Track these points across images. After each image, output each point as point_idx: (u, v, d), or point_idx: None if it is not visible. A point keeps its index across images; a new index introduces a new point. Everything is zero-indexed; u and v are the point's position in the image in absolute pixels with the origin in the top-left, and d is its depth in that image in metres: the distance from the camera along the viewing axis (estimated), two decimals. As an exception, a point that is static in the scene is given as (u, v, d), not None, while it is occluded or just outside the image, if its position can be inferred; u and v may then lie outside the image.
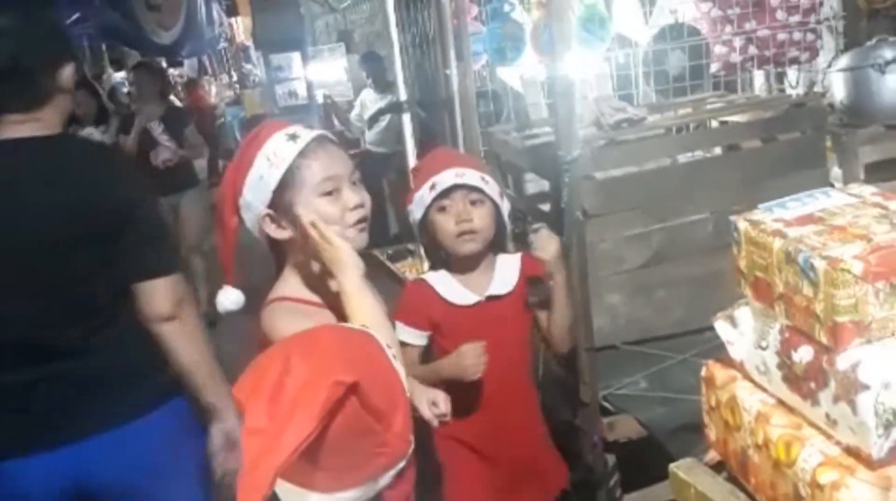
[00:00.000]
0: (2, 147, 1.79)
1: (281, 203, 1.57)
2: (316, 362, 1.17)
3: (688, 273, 2.64)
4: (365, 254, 2.30)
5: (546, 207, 2.89)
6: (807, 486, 1.11)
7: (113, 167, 1.91)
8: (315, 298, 1.61)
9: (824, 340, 1.12)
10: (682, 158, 3.00)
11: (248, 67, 10.93)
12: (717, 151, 3.04)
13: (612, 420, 2.33)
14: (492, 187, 2.05)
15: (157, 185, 4.46)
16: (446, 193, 2.00)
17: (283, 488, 1.21)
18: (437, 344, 2.06)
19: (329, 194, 1.58)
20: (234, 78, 12.78)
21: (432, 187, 2.01)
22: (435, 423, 1.78)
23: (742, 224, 1.26)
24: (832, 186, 2.67)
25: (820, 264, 1.10)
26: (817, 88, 3.17)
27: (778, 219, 1.23)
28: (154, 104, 5.10)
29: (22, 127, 1.80)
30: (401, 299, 2.10)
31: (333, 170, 1.60)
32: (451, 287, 2.05)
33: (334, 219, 1.58)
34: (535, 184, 3.25)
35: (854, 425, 1.08)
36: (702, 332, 2.39)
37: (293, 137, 1.58)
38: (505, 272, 2.09)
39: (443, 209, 2.01)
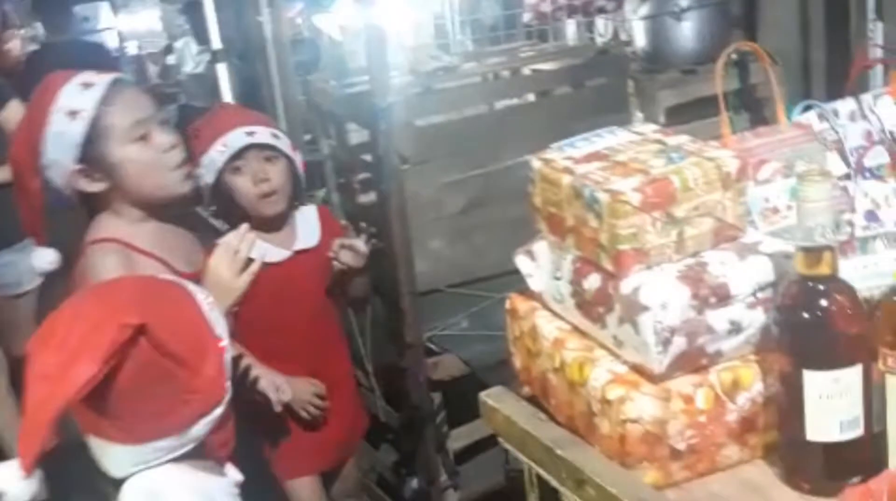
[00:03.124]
0: None
1: (92, 156, 1.52)
2: (106, 305, 1.15)
3: (504, 217, 2.74)
4: (188, 213, 2.25)
5: (369, 156, 2.91)
6: (597, 402, 1.20)
7: None
8: (141, 244, 1.57)
9: (609, 267, 1.21)
10: (499, 105, 3.09)
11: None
12: (531, 97, 3.16)
13: (436, 360, 2.41)
14: (283, 142, 2.05)
15: None
16: (239, 153, 1.97)
17: (90, 442, 1.20)
18: (248, 306, 2.05)
19: (140, 139, 1.56)
20: (41, 30, 11.92)
21: (223, 148, 1.97)
22: (278, 408, 1.94)
23: (536, 163, 1.33)
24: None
25: (603, 197, 1.18)
26: (623, 37, 3.33)
27: (568, 157, 1.30)
28: None
29: None
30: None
31: (140, 113, 1.58)
32: (256, 247, 2.04)
33: (152, 165, 1.56)
34: (357, 134, 3.26)
35: (637, 344, 1.17)
36: (518, 272, 2.50)
37: (87, 85, 1.52)
38: (307, 225, 2.11)
39: (237, 170, 1.98)
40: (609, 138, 1.34)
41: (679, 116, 2.97)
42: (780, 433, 1.16)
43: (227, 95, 3.82)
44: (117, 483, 1.24)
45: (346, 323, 2.75)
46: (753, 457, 1.22)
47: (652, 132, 1.35)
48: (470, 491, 2.65)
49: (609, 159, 1.27)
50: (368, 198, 2.92)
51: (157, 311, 1.18)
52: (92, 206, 1.59)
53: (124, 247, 1.54)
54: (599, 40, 3.28)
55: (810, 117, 1.56)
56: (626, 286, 1.18)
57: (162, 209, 1.65)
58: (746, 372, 1.19)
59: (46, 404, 1.07)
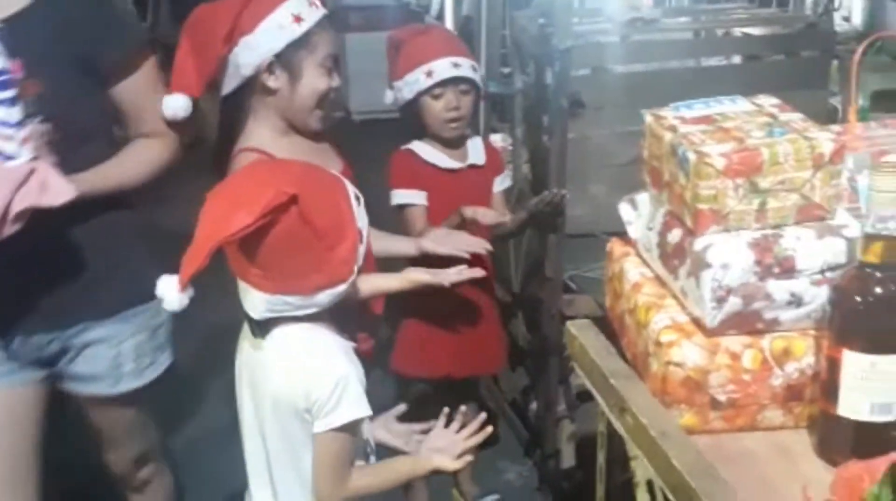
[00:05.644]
0: None
1: (289, 58, 1.73)
2: (273, 174, 1.41)
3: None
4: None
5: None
6: (652, 344, 1.30)
7: None
8: (281, 155, 1.77)
9: (689, 224, 1.29)
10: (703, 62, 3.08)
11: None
12: (736, 60, 3.12)
13: (571, 297, 2.53)
14: (478, 75, 2.22)
15: None
16: (442, 83, 2.16)
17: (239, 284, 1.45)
18: (428, 207, 2.26)
19: (326, 70, 1.77)
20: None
21: (428, 75, 2.15)
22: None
23: (648, 118, 1.41)
24: (836, 109, 2.76)
25: (692, 157, 1.26)
26: (843, 13, 3.19)
27: (679, 117, 1.38)
28: None
29: None
30: (391, 169, 2.27)
31: (334, 50, 1.78)
32: (436, 155, 2.24)
33: (321, 97, 1.75)
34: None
35: (696, 297, 1.26)
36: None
37: (312, 3, 1.75)
38: (476, 149, 2.29)
39: (436, 97, 2.17)
40: (726, 105, 1.40)
41: (888, 102, 2.83)
42: (817, 405, 1.22)
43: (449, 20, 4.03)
44: (263, 328, 1.47)
45: (504, 248, 2.92)
46: (797, 425, 1.28)
47: (770, 106, 1.39)
48: (589, 429, 2.76)
49: (715, 124, 1.33)
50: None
51: (312, 189, 1.40)
52: (244, 106, 1.77)
53: (267, 157, 1.75)
54: (810, 12, 3.16)
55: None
56: (698, 243, 1.27)
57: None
58: (800, 344, 1.24)
59: (207, 238, 1.34)
